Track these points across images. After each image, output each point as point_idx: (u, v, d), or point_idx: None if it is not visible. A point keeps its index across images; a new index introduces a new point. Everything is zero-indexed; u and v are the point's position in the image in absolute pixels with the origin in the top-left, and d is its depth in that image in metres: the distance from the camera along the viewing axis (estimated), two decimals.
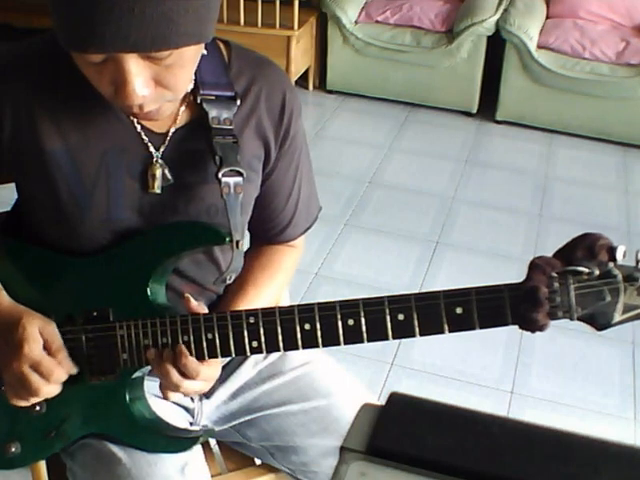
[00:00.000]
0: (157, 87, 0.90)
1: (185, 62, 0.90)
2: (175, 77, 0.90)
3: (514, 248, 2.96)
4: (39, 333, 0.98)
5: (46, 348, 0.99)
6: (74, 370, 1.01)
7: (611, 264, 0.85)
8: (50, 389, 0.99)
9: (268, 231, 1.21)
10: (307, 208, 1.23)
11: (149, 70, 0.87)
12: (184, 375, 0.99)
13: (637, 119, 3.74)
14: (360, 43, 4.03)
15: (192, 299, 1.02)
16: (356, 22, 4.05)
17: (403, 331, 0.92)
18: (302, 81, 4.25)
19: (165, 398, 1.04)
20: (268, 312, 0.97)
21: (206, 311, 1.02)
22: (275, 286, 1.21)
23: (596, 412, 2.23)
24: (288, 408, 1.21)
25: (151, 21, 0.81)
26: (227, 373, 1.25)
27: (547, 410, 2.23)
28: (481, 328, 0.90)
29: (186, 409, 1.22)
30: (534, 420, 0.55)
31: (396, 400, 0.57)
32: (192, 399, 1.22)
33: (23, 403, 1.01)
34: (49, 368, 0.97)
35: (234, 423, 1.24)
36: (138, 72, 0.86)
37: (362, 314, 0.93)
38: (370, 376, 2.29)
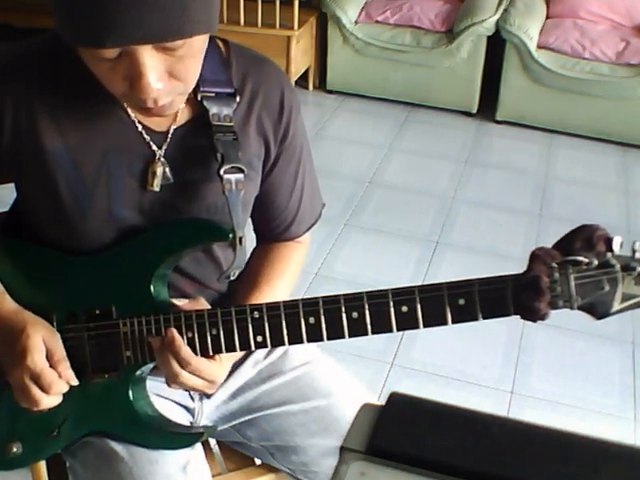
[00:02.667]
0: (170, 79, 0.90)
1: (196, 52, 0.91)
2: (187, 68, 0.91)
3: (514, 248, 2.96)
4: (42, 342, 0.98)
5: (48, 358, 0.99)
6: (75, 382, 1.01)
7: (609, 254, 0.87)
8: (50, 400, 0.99)
9: (273, 229, 1.21)
10: (311, 204, 1.23)
11: (163, 62, 0.88)
12: (181, 365, 0.99)
13: (637, 119, 3.74)
14: (360, 43, 4.03)
15: (177, 302, 1.03)
16: (356, 22, 4.05)
17: (407, 323, 0.93)
18: (302, 81, 4.25)
19: (169, 386, 1.03)
20: (272, 306, 0.98)
21: (206, 304, 1.03)
22: (287, 281, 1.22)
23: (596, 412, 2.23)
24: (288, 408, 1.21)
25: (164, 10, 0.82)
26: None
27: (547, 410, 2.23)
28: (484, 318, 0.91)
29: (186, 409, 1.22)
30: (534, 420, 0.56)
31: (396, 400, 0.57)
32: (192, 399, 1.22)
33: (28, 407, 1.01)
34: (49, 381, 0.97)
35: (234, 423, 1.24)
36: (153, 65, 0.87)
37: (366, 307, 0.94)
38: (370, 376, 2.29)
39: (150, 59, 0.86)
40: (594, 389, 2.31)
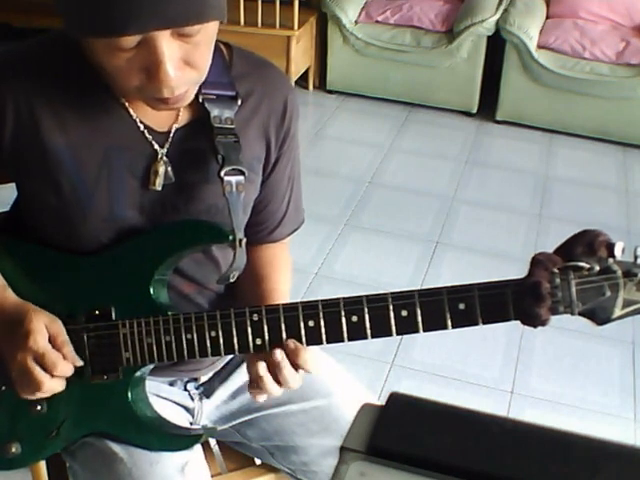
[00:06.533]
0: (185, 68, 0.91)
1: (210, 39, 0.92)
2: (201, 55, 0.92)
3: (514, 248, 2.96)
4: (45, 327, 0.98)
5: (51, 342, 0.98)
6: (79, 362, 1.01)
7: (611, 260, 0.87)
8: (53, 384, 0.98)
9: (258, 232, 1.20)
10: (296, 209, 1.23)
11: (180, 50, 0.89)
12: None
13: (637, 119, 3.74)
14: (360, 43, 4.03)
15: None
16: (356, 22, 4.05)
17: (406, 327, 0.93)
18: (302, 81, 4.25)
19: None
20: (272, 309, 0.98)
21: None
22: (287, 285, 1.22)
23: (596, 412, 2.23)
24: (288, 408, 1.21)
25: None
26: (227, 373, 1.25)
27: (547, 410, 2.23)
28: (484, 323, 0.91)
29: (186, 409, 1.22)
30: (534, 420, 0.56)
31: (396, 400, 0.57)
32: (192, 399, 1.22)
33: (30, 397, 1.00)
34: (53, 361, 0.97)
35: (234, 423, 1.24)
36: (171, 53, 0.87)
37: (366, 310, 0.94)
38: (370, 376, 2.29)
39: (168, 47, 0.87)
40: (594, 389, 2.31)
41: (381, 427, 0.54)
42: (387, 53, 4.00)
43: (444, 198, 3.32)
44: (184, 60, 0.90)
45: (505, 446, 0.53)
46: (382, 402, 0.57)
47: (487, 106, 4.03)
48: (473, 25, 3.79)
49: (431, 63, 3.96)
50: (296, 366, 0.98)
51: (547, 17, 3.99)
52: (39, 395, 1.00)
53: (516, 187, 3.44)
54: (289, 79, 1.15)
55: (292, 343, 0.97)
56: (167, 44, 0.87)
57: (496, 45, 3.88)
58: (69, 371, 0.99)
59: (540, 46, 3.77)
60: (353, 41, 4.04)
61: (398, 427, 0.55)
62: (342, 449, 0.54)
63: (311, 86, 4.31)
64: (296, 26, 3.89)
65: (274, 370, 0.99)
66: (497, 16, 3.80)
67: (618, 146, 3.84)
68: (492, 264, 2.83)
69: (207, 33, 0.90)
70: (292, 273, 1.26)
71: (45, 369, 0.97)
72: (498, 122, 4.00)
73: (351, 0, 4.04)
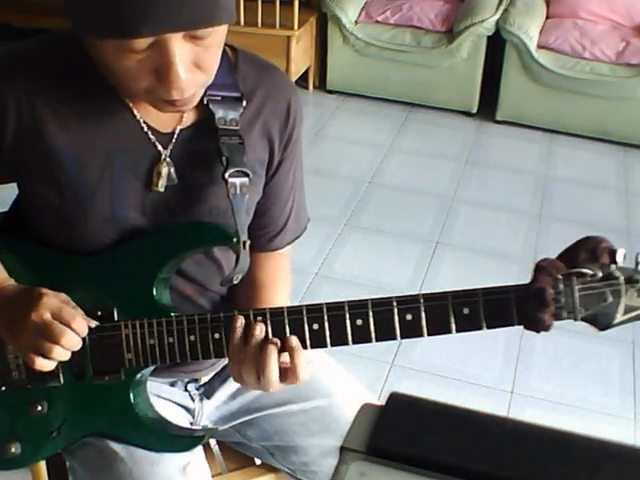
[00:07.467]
0: (194, 70, 0.91)
1: (220, 41, 0.92)
2: (211, 58, 0.92)
3: (514, 248, 2.96)
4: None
5: None
6: (94, 323, 0.99)
7: (613, 266, 0.87)
8: (72, 337, 0.95)
9: (259, 238, 1.19)
10: (298, 217, 1.22)
11: (191, 53, 0.89)
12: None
13: (637, 119, 3.74)
14: (360, 43, 4.03)
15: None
16: (356, 22, 4.05)
17: (411, 331, 0.93)
18: (302, 81, 4.25)
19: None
20: (276, 312, 0.98)
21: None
22: (286, 293, 1.22)
23: (596, 412, 2.23)
24: (288, 408, 1.21)
25: None
26: (227, 374, 1.25)
27: (547, 410, 2.23)
28: (488, 328, 0.91)
29: (187, 409, 1.22)
30: (534, 420, 0.56)
31: (396, 400, 0.57)
32: (192, 399, 1.22)
33: (44, 362, 0.96)
34: (71, 313, 0.95)
35: (234, 423, 1.24)
36: (182, 55, 0.88)
37: (370, 314, 0.94)
38: (370, 376, 2.29)
39: (180, 49, 0.87)
40: (594, 389, 2.31)
41: (381, 427, 0.54)
42: (387, 53, 4.00)
43: (444, 198, 3.32)
44: (194, 63, 0.90)
45: (505, 446, 0.53)
46: (382, 402, 0.57)
47: (487, 106, 4.03)
48: (473, 25, 3.79)
49: (431, 63, 3.96)
50: (291, 365, 0.98)
51: (547, 17, 3.99)
52: (57, 354, 0.95)
53: (516, 187, 3.45)
54: (293, 83, 1.15)
55: (294, 340, 0.97)
56: (179, 46, 0.87)
57: (496, 45, 3.88)
58: (85, 329, 0.97)
59: (540, 46, 3.78)
60: (353, 41, 4.04)
61: (398, 427, 0.55)
62: (342, 449, 0.54)
63: (311, 86, 4.31)
64: (296, 26, 3.89)
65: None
66: (497, 16, 3.81)
67: (618, 146, 3.84)
68: (492, 264, 2.83)
69: (218, 36, 0.90)
70: (290, 286, 1.26)
71: (63, 322, 0.95)
72: (498, 122, 4.00)
73: (351, 0, 4.05)
